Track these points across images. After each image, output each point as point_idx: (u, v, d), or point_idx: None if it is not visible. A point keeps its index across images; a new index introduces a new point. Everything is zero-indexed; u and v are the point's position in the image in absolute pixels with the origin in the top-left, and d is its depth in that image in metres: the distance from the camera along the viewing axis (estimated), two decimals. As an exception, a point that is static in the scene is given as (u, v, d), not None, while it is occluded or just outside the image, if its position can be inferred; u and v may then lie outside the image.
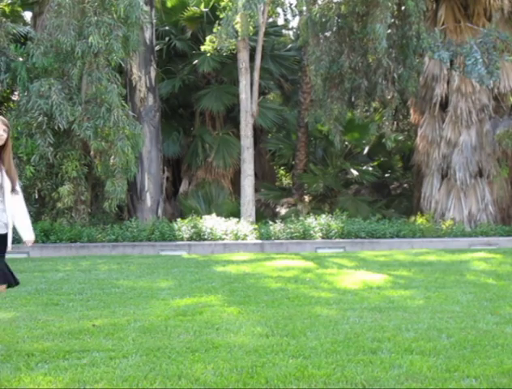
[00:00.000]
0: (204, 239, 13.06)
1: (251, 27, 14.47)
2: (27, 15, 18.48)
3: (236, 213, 14.95)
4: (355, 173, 17.85)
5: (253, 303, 6.53)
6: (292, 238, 13.21)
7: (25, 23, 17.62)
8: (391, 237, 13.48)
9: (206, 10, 17.46)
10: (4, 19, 14.61)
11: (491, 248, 12.49)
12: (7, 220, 4.63)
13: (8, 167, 4.77)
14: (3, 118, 4.70)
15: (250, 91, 15.36)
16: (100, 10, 12.92)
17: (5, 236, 4.61)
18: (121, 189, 13.04)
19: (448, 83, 15.31)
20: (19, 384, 3.91)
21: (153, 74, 15.69)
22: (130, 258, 11.28)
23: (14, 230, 4.74)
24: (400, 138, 19.22)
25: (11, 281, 4.64)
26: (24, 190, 13.33)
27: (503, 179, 15.36)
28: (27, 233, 4.81)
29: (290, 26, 21.90)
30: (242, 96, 15.29)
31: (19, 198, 4.81)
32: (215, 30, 14.61)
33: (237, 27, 14.22)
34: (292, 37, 21.46)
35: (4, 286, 4.62)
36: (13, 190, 4.71)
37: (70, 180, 13.19)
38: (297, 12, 18.41)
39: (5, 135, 4.66)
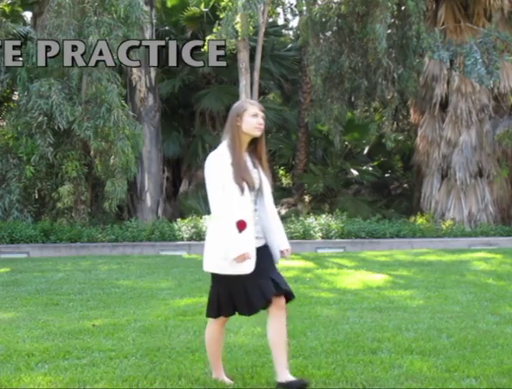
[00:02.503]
0: (204, 239, 13.02)
1: (251, 27, 14.45)
2: (27, 15, 18.50)
3: (236, 213, 14.92)
4: (355, 173, 17.84)
5: (253, 303, 6.51)
6: (292, 238, 13.18)
7: (25, 23, 17.62)
8: (391, 237, 13.48)
9: (206, 10, 17.45)
10: (4, 19, 14.62)
11: (491, 248, 12.49)
12: (266, 230, 3.82)
13: (265, 165, 3.88)
14: (258, 103, 3.87)
15: (250, 91, 15.36)
16: (100, 10, 12.92)
17: (266, 247, 3.81)
18: (121, 189, 13.04)
19: (448, 83, 15.30)
20: (19, 384, 3.91)
21: (153, 74, 15.69)
22: (130, 258, 11.29)
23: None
24: (400, 138, 19.22)
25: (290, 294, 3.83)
26: (24, 189, 13.35)
27: (503, 179, 15.36)
28: (284, 241, 3.88)
29: (290, 26, 21.90)
30: (242, 96, 15.27)
31: (270, 202, 3.89)
32: (215, 30, 14.61)
33: (237, 27, 14.21)
34: (292, 37, 21.44)
35: (282, 299, 3.80)
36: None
37: (70, 180, 13.19)
38: (297, 12, 18.41)
39: (263, 124, 3.78)
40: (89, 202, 14.08)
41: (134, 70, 15.05)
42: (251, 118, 3.69)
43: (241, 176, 3.64)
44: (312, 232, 13.24)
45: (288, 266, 9.62)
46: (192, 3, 17.75)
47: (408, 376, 3.98)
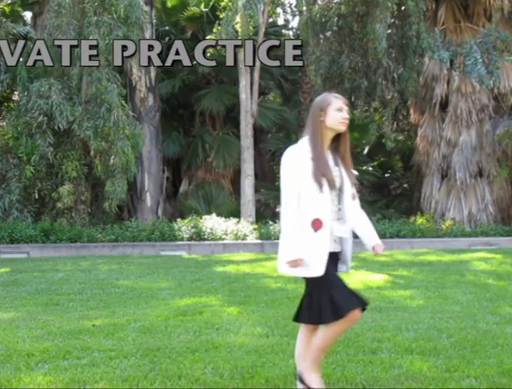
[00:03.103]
0: (204, 239, 13.06)
1: (251, 27, 14.45)
2: (27, 15, 18.50)
3: (236, 213, 14.95)
4: (355, 173, 17.79)
5: (253, 303, 6.53)
6: (292, 238, 13.17)
7: (25, 23, 17.62)
8: (391, 237, 13.48)
9: (206, 10, 17.46)
10: (4, 19, 14.62)
11: (491, 248, 12.49)
12: (346, 234, 3.55)
13: (349, 163, 3.62)
14: (341, 96, 3.61)
15: (250, 91, 15.36)
16: (100, 10, 12.92)
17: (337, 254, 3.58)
18: (121, 189, 13.05)
19: (448, 83, 15.31)
20: (19, 384, 3.91)
21: (153, 74, 15.69)
22: (130, 258, 11.29)
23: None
24: (400, 138, 19.22)
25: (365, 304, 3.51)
26: (24, 189, 13.35)
27: (503, 179, 15.37)
28: (374, 238, 3.62)
29: (290, 26, 21.89)
30: (242, 96, 15.29)
31: (356, 205, 3.64)
32: (215, 30, 14.62)
33: (237, 27, 14.21)
34: (292, 37, 21.44)
35: (358, 311, 3.46)
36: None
37: (70, 180, 13.19)
38: (297, 12, 18.41)
39: (348, 119, 3.54)
40: (89, 202, 14.08)
41: (134, 70, 15.06)
42: (336, 112, 3.48)
43: (320, 172, 3.42)
44: (312, 232, 13.22)
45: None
46: (192, 3, 17.76)
47: (408, 376, 3.98)
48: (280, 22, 20.91)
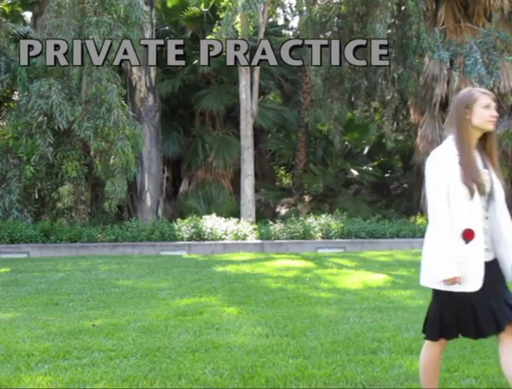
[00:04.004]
0: (204, 239, 13.06)
1: (251, 27, 14.46)
2: (27, 15, 18.50)
3: (236, 213, 14.95)
4: (355, 173, 17.83)
5: (253, 303, 6.53)
6: (292, 238, 13.20)
7: (25, 23, 17.63)
8: (391, 237, 13.47)
9: (207, 10, 17.46)
10: (4, 19, 14.63)
11: (491, 248, 12.47)
12: (497, 242, 3.21)
13: (497, 165, 3.32)
14: (488, 91, 3.39)
15: (250, 91, 15.36)
16: (100, 10, 12.92)
17: (496, 262, 3.22)
18: (121, 189, 13.05)
19: (448, 83, 15.29)
20: (19, 384, 3.91)
21: (153, 74, 15.68)
22: (130, 258, 11.29)
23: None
24: (400, 138, 19.21)
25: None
26: (24, 189, 13.35)
27: (503, 179, 15.35)
28: None
29: (290, 26, 21.91)
30: (242, 96, 15.28)
31: (503, 209, 3.28)
32: (215, 30, 14.61)
33: (237, 27, 14.22)
34: (292, 37, 21.44)
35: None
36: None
37: (70, 180, 13.19)
38: (297, 12, 18.42)
39: (497, 116, 3.27)
40: (89, 202, 14.07)
41: (134, 70, 15.06)
42: (483, 110, 3.24)
43: (471, 177, 3.12)
44: (312, 232, 13.23)
45: (288, 266, 9.63)
46: (192, 3, 17.76)
47: (408, 376, 3.98)
48: (280, 22, 20.94)
